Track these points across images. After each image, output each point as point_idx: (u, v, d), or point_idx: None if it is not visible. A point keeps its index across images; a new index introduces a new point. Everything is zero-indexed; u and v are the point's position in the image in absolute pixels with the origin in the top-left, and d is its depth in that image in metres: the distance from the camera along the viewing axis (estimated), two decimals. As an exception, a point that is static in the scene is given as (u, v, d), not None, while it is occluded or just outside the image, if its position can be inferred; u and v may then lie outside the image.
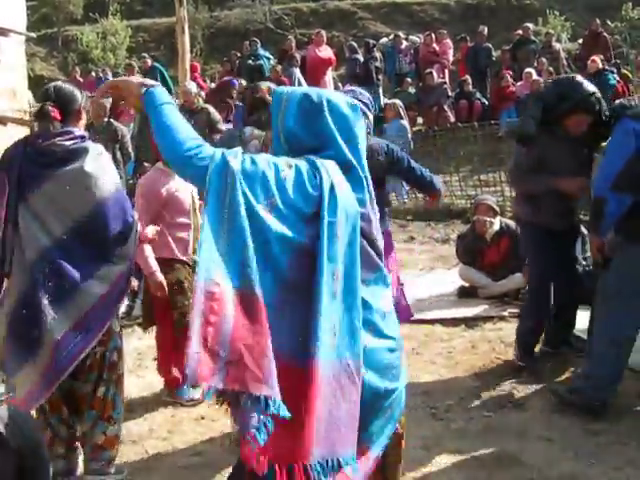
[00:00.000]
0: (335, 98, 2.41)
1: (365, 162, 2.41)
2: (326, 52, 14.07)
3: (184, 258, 4.63)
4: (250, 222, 2.07)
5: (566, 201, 4.67)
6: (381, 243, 2.44)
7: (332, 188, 2.21)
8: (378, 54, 14.69)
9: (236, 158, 2.16)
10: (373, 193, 2.42)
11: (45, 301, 3.10)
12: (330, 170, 2.26)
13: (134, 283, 6.39)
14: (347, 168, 2.33)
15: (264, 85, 3.93)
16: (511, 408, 4.38)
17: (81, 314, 3.18)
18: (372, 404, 2.31)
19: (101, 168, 3.28)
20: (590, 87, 4.57)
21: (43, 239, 3.18)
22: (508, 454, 3.81)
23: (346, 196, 2.26)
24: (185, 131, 2.27)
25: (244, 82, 12.91)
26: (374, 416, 2.34)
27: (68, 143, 3.26)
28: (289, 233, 2.11)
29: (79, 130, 3.35)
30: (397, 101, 11.85)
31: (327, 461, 2.10)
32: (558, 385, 4.55)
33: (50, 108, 3.27)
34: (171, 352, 4.62)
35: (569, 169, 4.56)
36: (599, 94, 4.61)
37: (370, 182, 2.41)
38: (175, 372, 4.63)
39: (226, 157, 2.15)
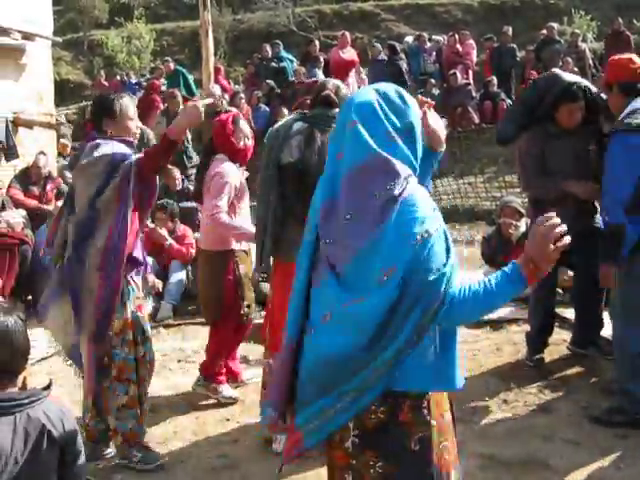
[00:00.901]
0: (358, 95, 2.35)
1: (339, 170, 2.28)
2: (349, 54, 14.06)
3: (245, 248, 4.74)
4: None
5: (579, 203, 4.61)
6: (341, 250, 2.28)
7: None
8: (402, 55, 14.69)
9: None
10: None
11: None
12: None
13: (158, 285, 6.45)
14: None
15: (331, 84, 3.92)
16: (537, 411, 4.33)
17: None
18: (310, 387, 2.27)
19: None
20: (570, 77, 4.64)
21: None
22: (535, 458, 3.77)
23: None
24: None
25: (271, 83, 12.95)
26: (309, 400, 2.26)
27: None
28: None
29: None
30: (421, 102, 11.80)
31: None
32: (595, 410, 4.25)
33: None
34: (232, 344, 4.88)
35: (568, 165, 4.55)
36: (583, 83, 4.64)
37: (341, 191, 2.24)
38: (233, 365, 4.94)
39: None
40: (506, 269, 2.21)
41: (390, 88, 2.28)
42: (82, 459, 2.33)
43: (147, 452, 3.87)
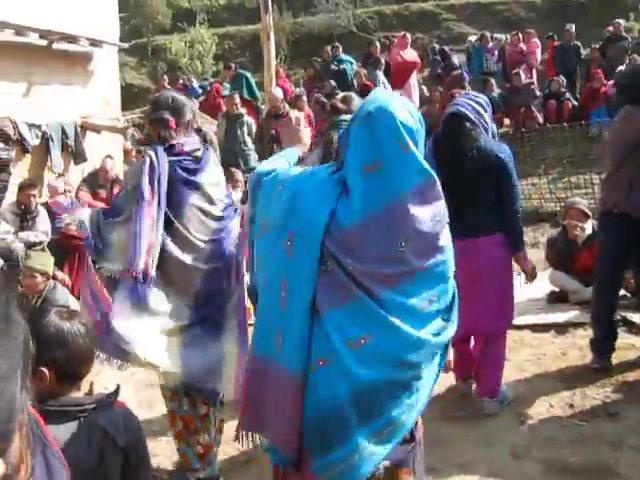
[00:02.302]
0: (380, 111, 2.28)
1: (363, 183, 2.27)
2: (411, 54, 13.99)
3: None
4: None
5: None
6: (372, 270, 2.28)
7: (292, 199, 2.35)
8: (458, 56, 14.59)
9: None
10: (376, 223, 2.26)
11: None
12: (307, 181, 2.39)
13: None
14: (348, 190, 2.29)
15: (341, 95, 3.96)
16: (604, 418, 4.24)
17: None
18: (329, 432, 2.23)
19: None
20: None
21: None
22: (601, 465, 3.70)
23: (308, 212, 2.28)
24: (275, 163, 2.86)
25: (333, 83, 12.99)
26: (331, 446, 2.22)
27: None
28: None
29: None
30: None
31: (253, 434, 2.48)
32: None
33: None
34: None
35: None
36: None
37: (369, 205, 2.25)
38: None
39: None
40: None
41: (413, 107, 2.43)
42: (147, 465, 2.33)
43: None
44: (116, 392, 2.27)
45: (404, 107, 2.32)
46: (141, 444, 2.29)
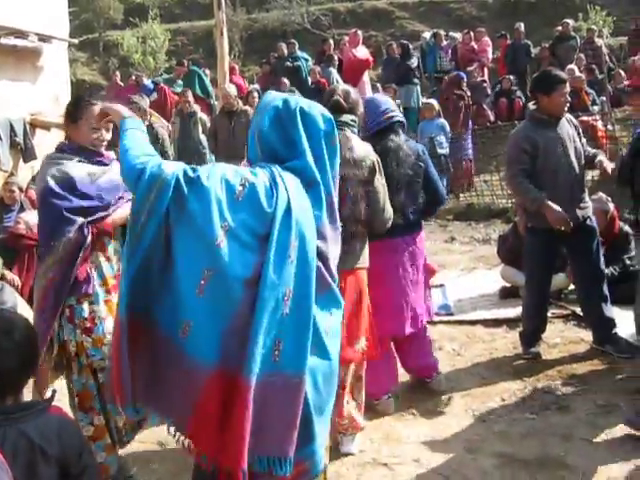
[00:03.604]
0: (313, 110, 2.44)
1: (332, 179, 2.45)
2: (362, 52, 14.03)
3: None
4: (199, 247, 2.19)
5: (565, 204, 4.72)
6: (335, 260, 2.48)
7: (288, 207, 2.26)
8: (416, 53, 14.65)
9: (177, 170, 2.26)
10: (336, 212, 2.47)
11: None
12: (289, 185, 2.30)
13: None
14: (310, 183, 2.36)
15: (340, 89, 3.90)
16: (555, 410, 4.32)
17: None
18: (313, 421, 2.34)
19: None
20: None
21: None
22: (552, 457, 3.76)
23: (303, 215, 2.29)
24: (140, 148, 2.38)
25: (287, 82, 12.93)
26: (316, 433, 2.36)
27: None
28: (238, 266, 2.19)
29: None
30: (433, 101, 11.82)
31: (265, 459, 2.25)
32: (629, 414, 4.05)
33: None
34: None
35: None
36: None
37: (334, 200, 2.45)
38: None
39: (162, 167, 2.26)
40: None
41: None
42: (91, 474, 2.20)
43: None
44: (50, 399, 2.18)
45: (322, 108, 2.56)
46: (80, 452, 2.17)
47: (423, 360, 4.66)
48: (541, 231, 4.88)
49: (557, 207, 4.64)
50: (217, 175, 2.26)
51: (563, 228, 4.66)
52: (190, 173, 2.26)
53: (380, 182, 3.75)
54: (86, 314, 3.38)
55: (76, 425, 2.27)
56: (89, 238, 3.32)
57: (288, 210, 2.25)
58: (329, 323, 2.39)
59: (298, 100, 2.47)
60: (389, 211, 3.82)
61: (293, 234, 2.24)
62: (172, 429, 2.32)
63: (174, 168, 2.27)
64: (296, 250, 2.25)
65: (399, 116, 4.39)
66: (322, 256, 2.36)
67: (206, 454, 2.23)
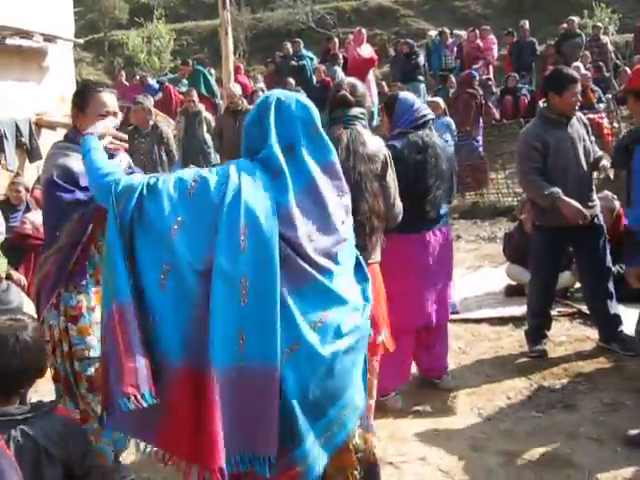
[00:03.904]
0: (289, 99, 2.47)
1: (317, 170, 2.43)
2: (367, 51, 14.02)
3: None
4: (157, 244, 2.25)
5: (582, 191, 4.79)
6: (328, 251, 2.41)
7: (237, 193, 2.27)
8: (421, 52, 14.64)
9: (143, 180, 2.35)
10: (328, 201, 2.43)
11: None
12: (243, 174, 2.32)
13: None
14: (277, 172, 2.36)
15: (346, 83, 3.89)
16: (561, 409, 4.31)
17: None
18: (298, 420, 2.26)
19: None
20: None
21: None
22: (558, 455, 3.76)
23: (255, 201, 2.27)
24: (107, 166, 2.52)
25: (292, 81, 12.94)
26: (303, 433, 2.27)
27: None
28: (191, 258, 2.23)
29: None
30: (439, 99, 11.80)
31: (246, 457, 2.24)
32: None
33: None
34: None
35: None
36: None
37: (321, 191, 2.42)
38: None
39: (131, 180, 2.37)
40: None
41: None
42: (96, 473, 2.22)
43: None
44: (55, 401, 2.22)
45: (303, 96, 2.59)
46: (84, 455, 2.18)
47: (438, 362, 4.71)
48: (548, 229, 4.88)
49: (572, 201, 4.66)
50: (173, 177, 2.34)
51: (581, 222, 4.67)
52: (151, 181, 2.34)
53: (391, 177, 3.76)
54: (74, 303, 3.37)
55: (79, 427, 2.27)
56: (89, 228, 3.33)
57: (237, 196, 2.26)
58: (321, 318, 2.31)
59: (279, 91, 2.55)
60: (399, 206, 3.84)
61: (242, 220, 2.23)
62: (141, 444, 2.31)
63: (140, 179, 2.36)
64: (247, 237, 2.23)
65: (431, 114, 4.47)
66: (292, 245, 2.30)
67: (184, 459, 2.21)
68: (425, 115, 4.36)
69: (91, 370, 3.29)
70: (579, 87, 4.90)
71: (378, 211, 3.61)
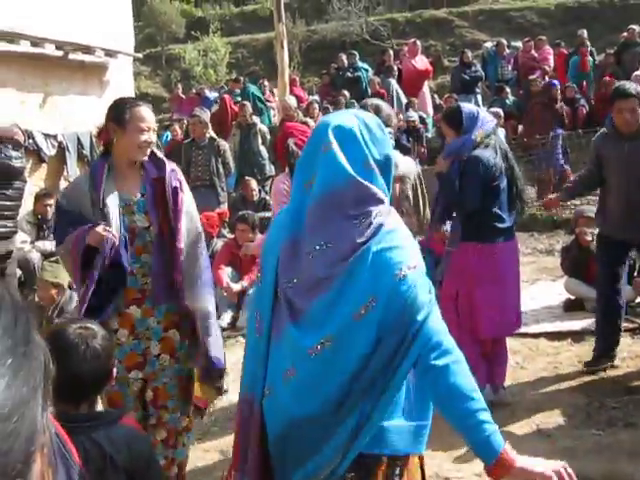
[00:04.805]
0: (320, 121, 2.22)
1: (318, 195, 2.01)
2: (422, 62, 13.99)
3: None
4: None
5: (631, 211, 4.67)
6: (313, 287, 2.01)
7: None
8: (477, 62, 14.53)
9: None
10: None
11: None
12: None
13: (235, 288, 6.57)
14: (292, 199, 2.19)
15: (369, 104, 3.90)
16: (622, 427, 4.22)
17: None
18: (287, 457, 2.03)
19: None
20: None
21: None
22: (619, 474, 3.68)
23: (269, 238, 2.22)
24: None
25: (347, 93, 12.95)
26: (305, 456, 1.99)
27: None
28: None
29: None
30: (499, 110, 11.68)
31: None
32: None
33: None
34: None
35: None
36: None
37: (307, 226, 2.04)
38: None
39: None
40: (493, 438, 2.01)
41: (370, 116, 2.16)
42: None
43: None
44: (122, 410, 2.25)
45: (350, 115, 2.14)
46: (148, 465, 2.21)
47: (500, 368, 4.68)
48: (605, 238, 4.81)
49: (552, 196, 5.25)
50: None
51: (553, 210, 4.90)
52: None
53: (422, 193, 3.82)
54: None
55: (146, 438, 2.29)
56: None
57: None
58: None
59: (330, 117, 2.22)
60: (428, 219, 3.90)
61: (266, 257, 2.20)
62: None
63: None
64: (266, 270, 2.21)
65: (494, 120, 4.55)
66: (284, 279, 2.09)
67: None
68: (493, 122, 4.43)
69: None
70: (631, 103, 4.55)
71: (412, 228, 3.64)
